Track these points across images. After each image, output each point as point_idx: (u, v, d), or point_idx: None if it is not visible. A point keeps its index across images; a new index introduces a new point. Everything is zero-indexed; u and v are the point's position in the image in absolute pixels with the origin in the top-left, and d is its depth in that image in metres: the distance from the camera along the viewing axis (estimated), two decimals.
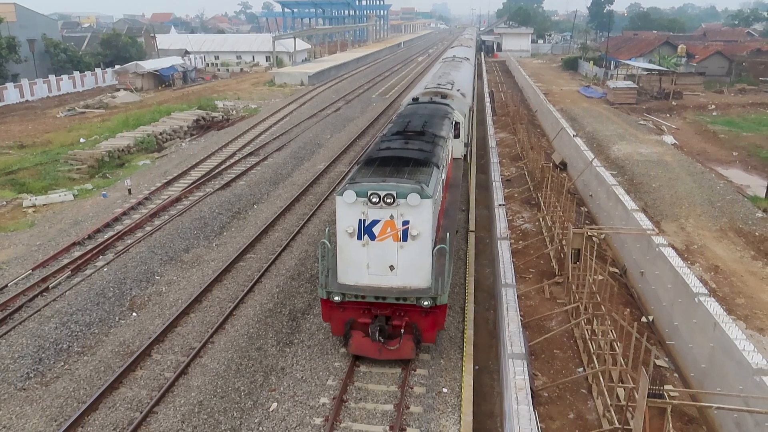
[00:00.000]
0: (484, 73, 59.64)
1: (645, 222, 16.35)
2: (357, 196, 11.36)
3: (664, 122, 43.78)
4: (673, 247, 15.16)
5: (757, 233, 20.23)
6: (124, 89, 55.30)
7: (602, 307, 13.10)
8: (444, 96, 21.31)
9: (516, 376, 9.52)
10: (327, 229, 12.37)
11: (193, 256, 18.54)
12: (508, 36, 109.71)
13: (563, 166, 27.47)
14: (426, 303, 11.60)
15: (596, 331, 13.15)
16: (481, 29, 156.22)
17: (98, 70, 62.13)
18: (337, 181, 25.65)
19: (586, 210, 22.99)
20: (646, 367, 8.62)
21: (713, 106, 48.29)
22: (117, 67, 62.32)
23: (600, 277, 13.69)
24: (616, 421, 10.47)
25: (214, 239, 19.97)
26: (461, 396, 11.53)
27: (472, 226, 20.07)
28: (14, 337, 13.43)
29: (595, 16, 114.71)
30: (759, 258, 18.54)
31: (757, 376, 9.52)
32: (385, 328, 11.93)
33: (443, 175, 14.62)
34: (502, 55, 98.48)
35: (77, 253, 18.22)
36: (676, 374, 12.72)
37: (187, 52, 76.78)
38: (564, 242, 16.54)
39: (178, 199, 23.22)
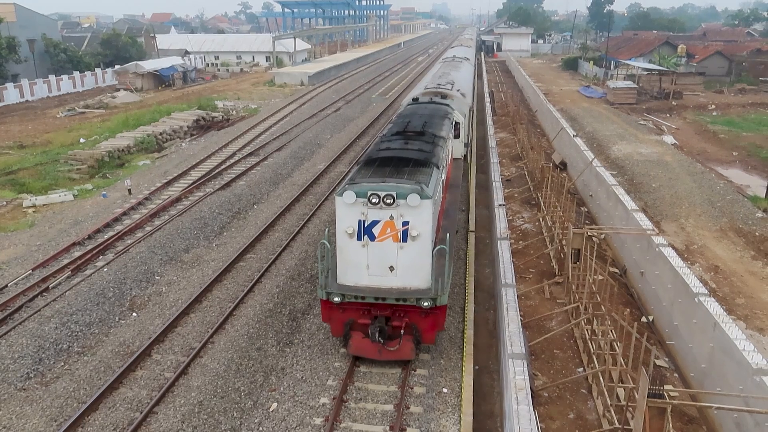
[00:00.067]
0: (484, 73, 59.65)
1: (645, 222, 16.35)
2: (357, 196, 11.35)
3: (664, 122, 43.77)
4: (673, 247, 15.16)
5: (757, 233, 20.23)
6: (124, 89, 55.31)
7: (602, 307, 13.11)
8: (444, 96, 21.31)
9: (516, 376, 9.52)
10: (327, 229, 12.35)
11: (193, 256, 18.55)
12: (508, 36, 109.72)
13: (563, 166, 27.47)
14: (426, 304, 11.59)
15: (596, 331, 13.16)
16: (481, 29, 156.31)
17: (98, 70, 62.14)
18: (337, 181, 25.65)
19: (586, 210, 22.99)
20: (646, 367, 8.62)
21: (713, 106, 48.28)
22: (117, 67, 62.33)
23: (600, 277, 13.69)
24: (616, 421, 10.48)
25: (214, 239, 19.97)
26: (461, 396, 11.54)
27: (472, 226, 20.07)
28: (14, 337, 13.43)
29: (595, 16, 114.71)
30: (759, 258, 18.54)
31: (757, 376, 9.52)
32: (385, 329, 11.93)
33: (443, 176, 14.62)
34: (502, 55, 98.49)
35: (77, 253, 18.23)
36: (676, 374, 12.72)
37: (187, 52, 76.79)
38: (564, 242, 16.54)
39: (178, 199, 23.22)
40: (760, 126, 41.44)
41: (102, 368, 12.59)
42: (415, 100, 20.92)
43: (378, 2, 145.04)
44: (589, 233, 15.51)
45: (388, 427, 10.86)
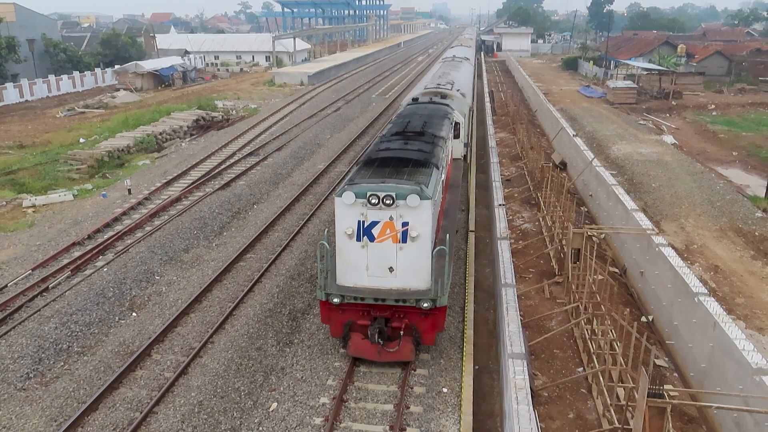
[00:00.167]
0: (484, 73, 59.65)
1: (645, 222, 16.36)
2: (356, 197, 11.32)
3: (664, 122, 43.78)
4: (673, 247, 15.16)
5: (756, 233, 20.24)
6: (124, 89, 55.29)
7: (602, 306, 13.11)
8: (444, 96, 21.29)
9: (516, 375, 9.52)
10: (326, 230, 12.35)
11: (193, 256, 18.55)
12: (508, 36, 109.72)
13: (563, 165, 27.49)
14: (425, 305, 11.57)
15: (596, 330, 13.16)
16: (481, 29, 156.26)
17: (98, 70, 62.10)
18: (336, 181, 25.65)
19: (586, 210, 23.00)
20: (646, 367, 8.62)
21: (713, 106, 48.29)
22: (117, 67, 62.29)
23: (600, 277, 13.70)
24: (616, 421, 10.48)
25: (213, 239, 19.97)
26: (461, 396, 11.54)
27: (472, 226, 20.08)
28: (14, 337, 13.43)
29: (595, 16, 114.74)
30: (759, 258, 18.54)
31: (756, 375, 9.53)
32: (385, 330, 11.90)
33: (443, 176, 14.60)
34: (502, 54, 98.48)
35: (77, 253, 18.22)
36: (675, 374, 12.73)
37: (186, 52, 76.76)
38: (564, 242, 16.55)
39: (177, 199, 23.22)
40: (759, 126, 41.45)
41: (102, 368, 12.59)
42: (415, 100, 20.90)
43: (378, 2, 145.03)
44: (589, 233, 15.52)
45: (388, 427, 10.86)
